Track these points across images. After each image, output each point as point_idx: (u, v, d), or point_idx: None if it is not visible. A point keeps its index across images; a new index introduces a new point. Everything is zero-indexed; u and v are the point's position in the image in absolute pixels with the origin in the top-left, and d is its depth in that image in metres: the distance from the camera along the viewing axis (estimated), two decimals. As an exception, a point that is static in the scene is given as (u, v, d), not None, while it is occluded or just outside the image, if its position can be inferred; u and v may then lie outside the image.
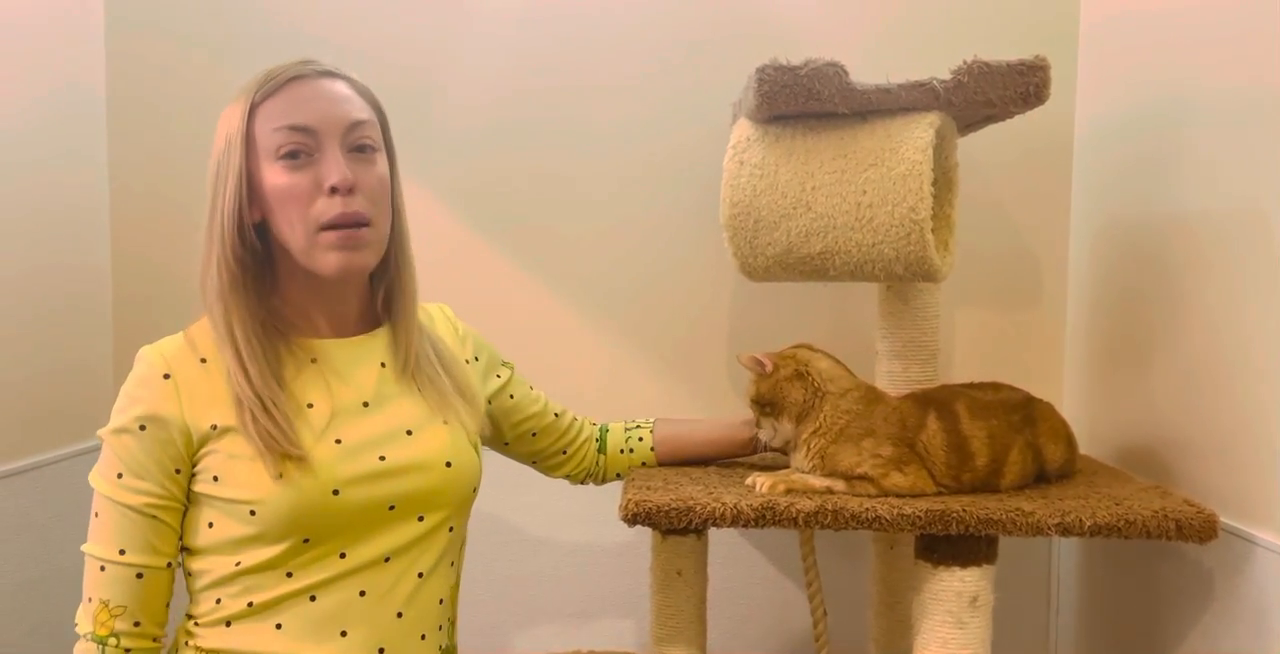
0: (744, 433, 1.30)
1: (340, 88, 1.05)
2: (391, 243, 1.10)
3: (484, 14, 1.61)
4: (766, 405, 1.20)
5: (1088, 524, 1.05)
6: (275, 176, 1.01)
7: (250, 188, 1.03)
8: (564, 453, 1.30)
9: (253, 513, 0.99)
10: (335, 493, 1.00)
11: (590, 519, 1.62)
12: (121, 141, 1.66)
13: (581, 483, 1.34)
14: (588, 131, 1.62)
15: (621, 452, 1.31)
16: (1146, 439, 1.34)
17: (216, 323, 1.03)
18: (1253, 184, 1.10)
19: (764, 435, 1.23)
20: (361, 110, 1.05)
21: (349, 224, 1.02)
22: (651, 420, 1.34)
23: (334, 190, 1.01)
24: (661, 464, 1.31)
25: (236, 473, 1.00)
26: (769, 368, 1.20)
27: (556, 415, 1.29)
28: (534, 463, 1.32)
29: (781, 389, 1.19)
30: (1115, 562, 1.42)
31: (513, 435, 1.27)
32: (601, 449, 1.32)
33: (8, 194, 1.44)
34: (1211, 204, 1.19)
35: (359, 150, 1.04)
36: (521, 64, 1.61)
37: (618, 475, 1.32)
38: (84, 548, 1.02)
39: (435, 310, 1.23)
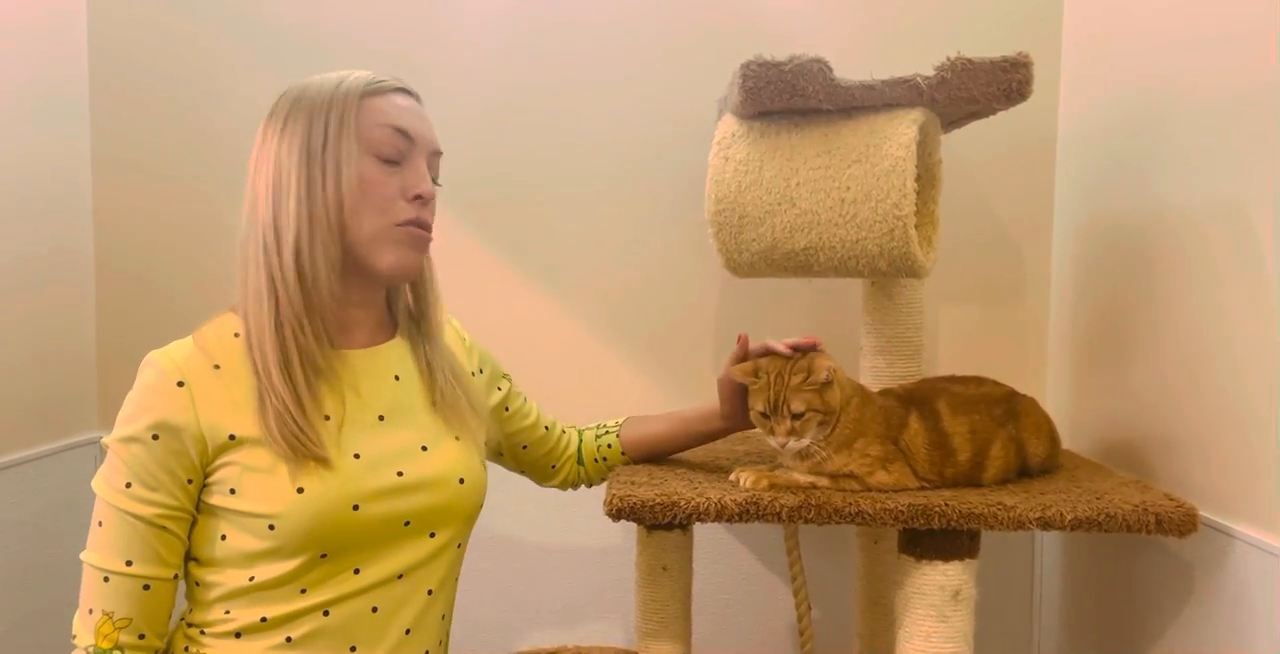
0: (700, 426, 1.29)
1: (427, 116, 1.07)
2: (427, 260, 1.12)
3: (468, 10, 1.61)
4: (819, 414, 1.11)
5: (1068, 518, 1.05)
6: (368, 169, 1.01)
7: None
8: (553, 467, 1.31)
9: (271, 527, 0.97)
10: (355, 508, 0.99)
11: (575, 517, 1.63)
12: (104, 129, 1.65)
13: (574, 488, 1.34)
14: (572, 128, 1.62)
15: (596, 461, 1.32)
16: (1128, 434, 1.35)
17: (264, 320, 0.99)
18: (1235, 180, 1.11)
19: (794, 445, 1.11)
20: (439, 145, 1.08)
21: (422, 227, 1.04)
22: (619, 422, 1.33)
23: (418, 198, 1.03)
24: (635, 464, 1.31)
25: (255, 486, 0.97)
26: (830, 376, 1.11)
27: (547, 428, 1.29)
28: (523, 472, 1.32)
29: (830, 396, 1.11)
30: (1097, 556, 1.43)
31: (504, 447, 1.27)
32: (580, 461, 1.32)
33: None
34: (1194, 200, 1.19)
35: (432, 180, 1.07)
36: (506, 60, 1.61)
37: (603, 479, 1.33)
38: (84, 557, 0.98)
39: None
